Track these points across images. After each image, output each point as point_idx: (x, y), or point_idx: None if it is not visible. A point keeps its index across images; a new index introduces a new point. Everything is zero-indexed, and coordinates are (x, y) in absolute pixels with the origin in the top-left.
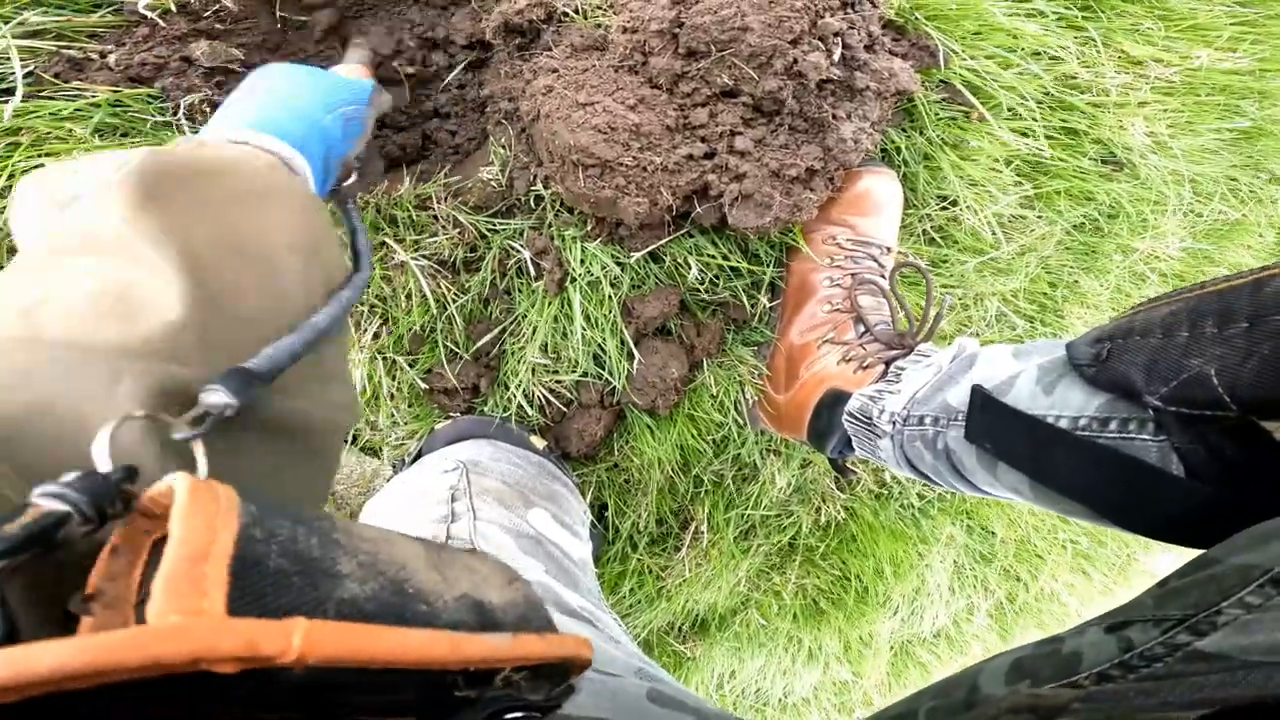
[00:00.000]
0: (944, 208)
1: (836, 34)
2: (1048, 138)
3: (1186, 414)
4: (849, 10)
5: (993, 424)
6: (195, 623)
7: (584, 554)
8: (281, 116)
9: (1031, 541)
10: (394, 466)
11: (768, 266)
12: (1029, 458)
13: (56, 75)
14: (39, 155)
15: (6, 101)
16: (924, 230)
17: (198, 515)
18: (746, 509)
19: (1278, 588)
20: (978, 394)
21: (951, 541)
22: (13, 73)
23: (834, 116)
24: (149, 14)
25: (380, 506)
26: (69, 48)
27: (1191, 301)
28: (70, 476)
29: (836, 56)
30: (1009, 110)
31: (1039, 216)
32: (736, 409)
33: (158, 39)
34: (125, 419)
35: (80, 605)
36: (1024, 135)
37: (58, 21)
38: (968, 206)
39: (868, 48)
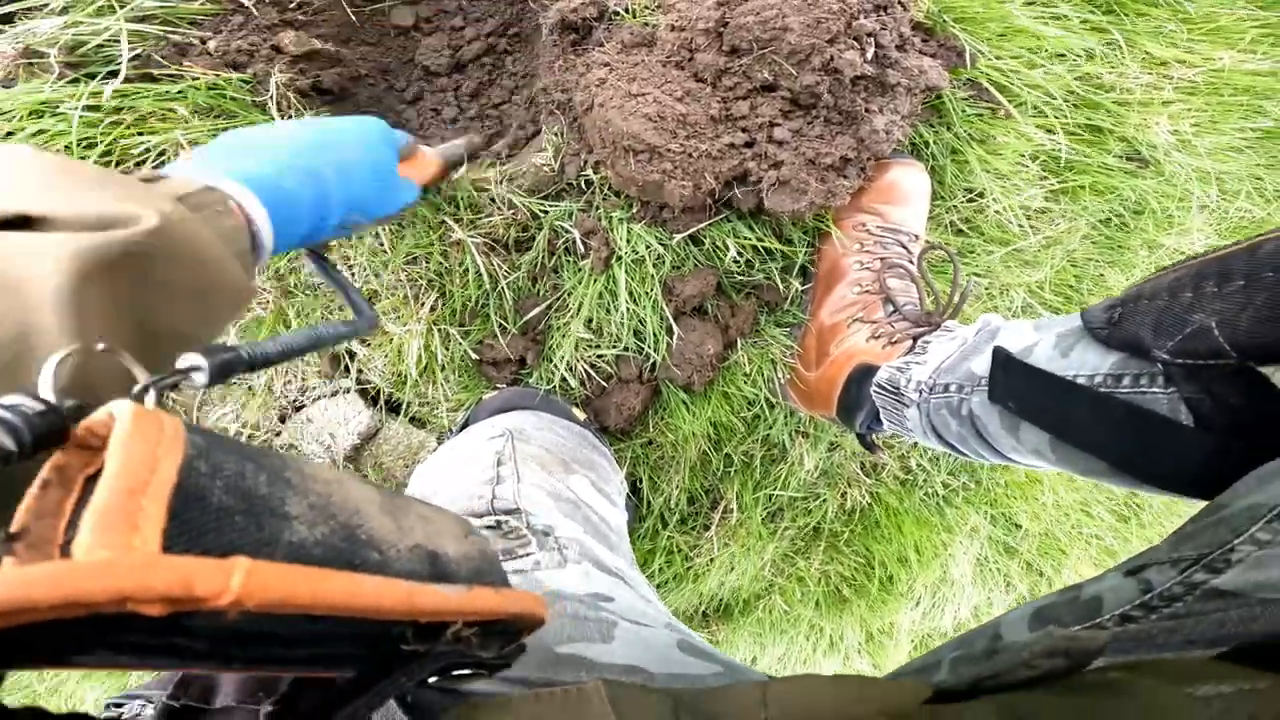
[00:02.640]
0: (970, 200)
1: (870, 34)
2: (1071, 135)
3: (1191, 365)
4: (882, 13)
5: (1014, 383)
6: (125, 558)
7: (619, 521)
8: (294, 186)
9: (1055, 535)
10: (439, 438)
11: (801, 250)
12: (1049, 414)
13: (163, 59)
14: (140, 134)
15: (108, 83)
16: (951, 221)
17: (139, 444)
18: (774, 490)
19: None
20: (1000, 354)
21: (975, 533)
22: (120, 56)
23: (867, 110)
24: (245, 2)
25: (428, 470)
26: (173, 32)
27: (1195, 266)
28: (10, 400)
29: (870, 55)
30: (1033, 108)
31: (1064, 211)
32: (768, 387)
33: (250, 27)
34: (81, 349)
35: (3, 544)
36: (1049, 132)
37: (164, 7)
38: (993, 199)
39: (899, 47)
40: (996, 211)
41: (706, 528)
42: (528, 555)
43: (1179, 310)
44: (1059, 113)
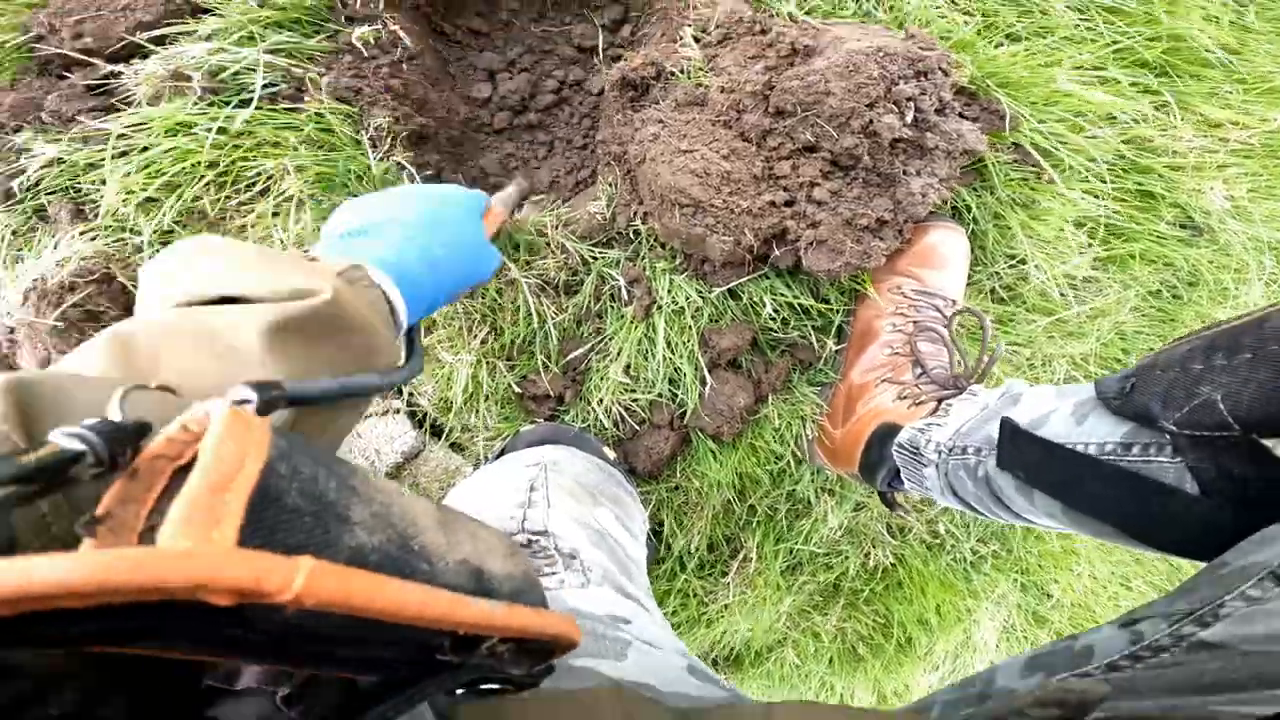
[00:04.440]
0: (1013, 266)
1: (909, 99)
2: (1120, 200)
3: (1197, 436)
4: (922, 78)
5: (1021, 452)
6: (205, 549)
7: (640, 556)
8: (417, 269)
9: (1089, 606)
10: (475, 465)
11: (837, 310)
12: (1057, 483)
13: (284, 90)
14: (256, 158)
15: (240, 110)
16: (993, 288)
17: (230, 442)
18: (796, 543)
19: (1277, 582)
20: (1007, 424)
21: (1004, 600)
22: (254, 84)
23: (904, 172)
24: (358, 44)
25: (464, 490)
26: (295, 66)
27: (1208, 338)
28: (89, 421)
29: (909, 118)
30: (1079, 172)
31: (1113, 281)
32: (796, 443)
33: (358, 67)
34: (138, 387)
35: (85, 526)
36: (1095, 197)
37: (291, 42)
38: (1036, 266)
39: (938, 111)
40: (1040, 280)
41: (724, 574)
42: (553, 574)
43: (1188, 382)
44: (1106, 178)
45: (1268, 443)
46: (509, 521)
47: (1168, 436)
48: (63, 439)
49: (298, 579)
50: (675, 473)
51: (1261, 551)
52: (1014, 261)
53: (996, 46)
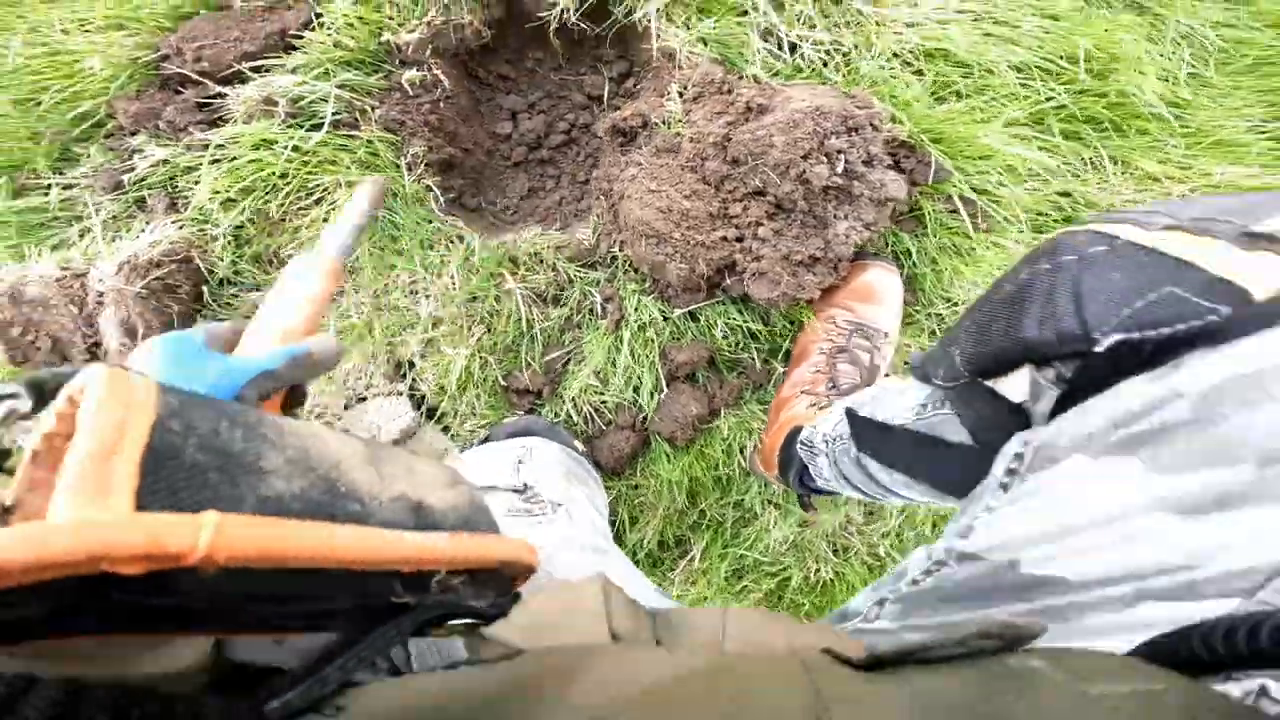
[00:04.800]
0: (950, 306)
1: (840, 151)
2: None
3: (951, 386)
4: (852, 134)
5: (864, 432)
6: (94, 519)
7: (606, 530)
8: None
9: None
10: (461, 449)
11: (783, 337)
12: (894, 455)
13: (347, 121)
14: (320, 172)
15: (313, 133)
16: (931, 328)
17: (110, 408)
18: (742, 550)
19: (1004, 490)
20: (848, 411)
21: None
22: (325, 113)
23: (834, 216)
24: (405, 85)
25: (457, 464)
26: (356, 100)
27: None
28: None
29: (839, 169)
30: (1014, 222)
31: None
32: (742, 453)
33: (404, 103)
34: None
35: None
36: (1027, 246)
37: (355, 79)
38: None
39: (865, 162)
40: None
41: (672, 570)
42: (542, 515)
43: (948, 343)
44: (1021, 226)
45: (989, 383)
46: (507, 476)
47: (941, 392)
48: None
49: (203, 536)
50: (635, 471)
51: (998, 464)
52: (950, 303)
53: (940, 103)
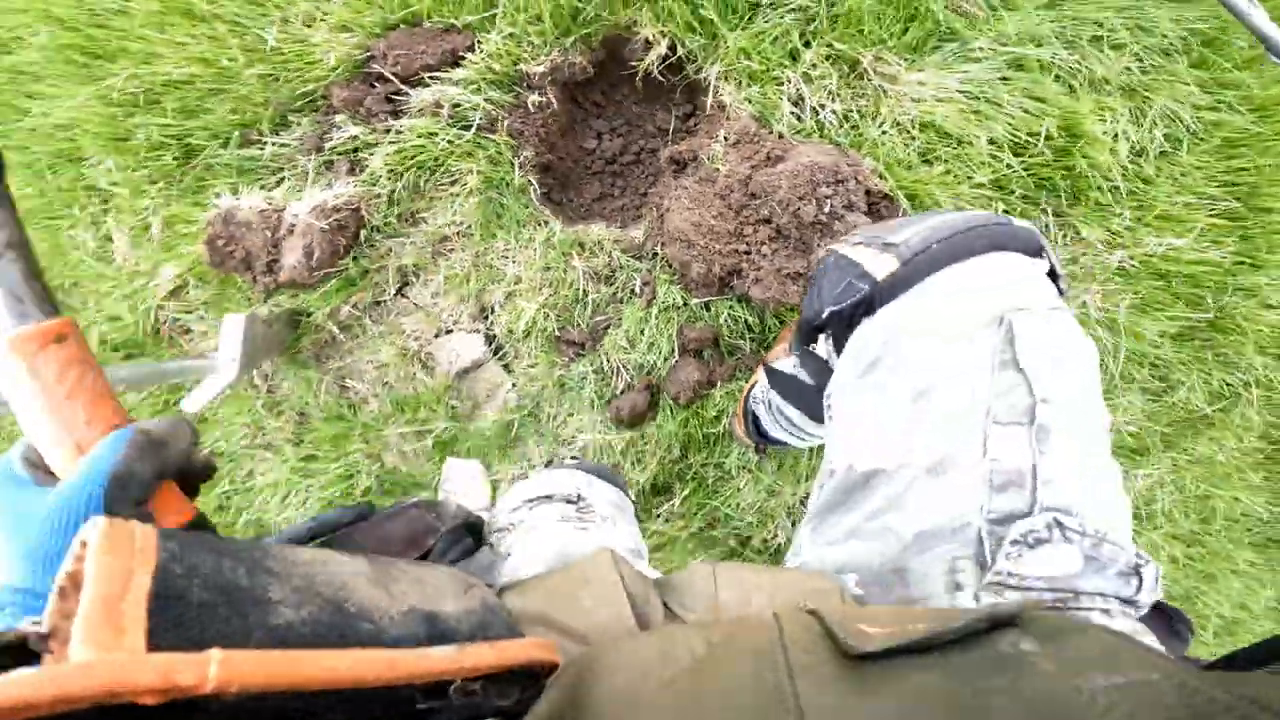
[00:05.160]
0: None
1: (826, 197)
2: None
3: (798, 351)
4: (838, 185)
5: (777, 381)
6: (107, 658)
7: (643, 553)
8: None
9: None
10: (513, 384)
11: (771, 332)
12: (786, 392)
13: (484, 125)
14: (459, 160)
15: (464, 131)
16: None
17: (111, 556)
18: (716, 503)
19: None
20: (765, 365)
21: None
22: (473, 118)
23: (816, 244)
24: (528, 104)
25: (525, 482)
26: (494, 111)
27: None
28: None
29: (825, 210)
30: None
31: None
32: (726, 418)
33: (525, 117)
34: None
35: (38, 643)
36: None
37: (497, 96)
38: None
39: (846, 207)
40: None
41: (655, 511)
42: (591, 524)
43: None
44: None
45: (811, 348)
46: (565, 489)
47: (797, 353)
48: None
49: (211, 669)
50: (643, 432)
51: (824, 406)
52: None
53: (926, 165)
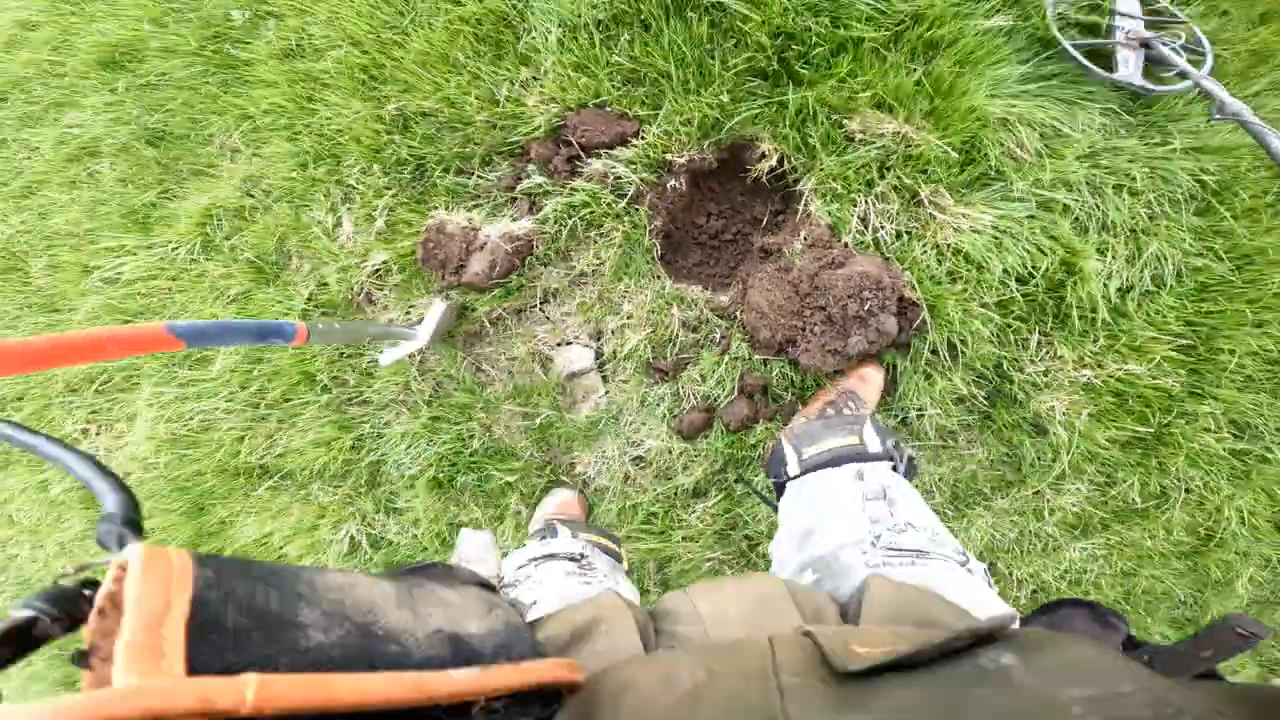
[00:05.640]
0: (901, 405)
1: (866, 299)
2: (982, 381)
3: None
4: (879, 291)
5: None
6: (149, 684)
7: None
8: None
9: None
10: (607, 392)
11: (810, 390)
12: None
13: (633, 197)
14: (608, 221)
15: (619, 199)
16: (903, 419)
17: (151, 581)
18: (741, 510)
19: None
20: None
21: None
22: (629, 190)
23: (854, 332)
24: (667, 187)
25: (525, 549)
26: (644, 187)
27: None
28: (39, 592)
29: (865, 309)
30: (969, 368)
31: (970, 442)
32: (761, 449)
33: (660, 194)
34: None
35: (78, 660)
36: (973, 384)
37: (648, 175)
38: (920, 411)
39: (881, 308)
40: (924, 423)
41: (692, 511)
42: (595, 580)
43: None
44: (973, 374)
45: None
46: (575, 550)
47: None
48: (16, 611)
49: (248, 694)
50: (695, 445)
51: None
52: (903, 404)
53: (952, 281)
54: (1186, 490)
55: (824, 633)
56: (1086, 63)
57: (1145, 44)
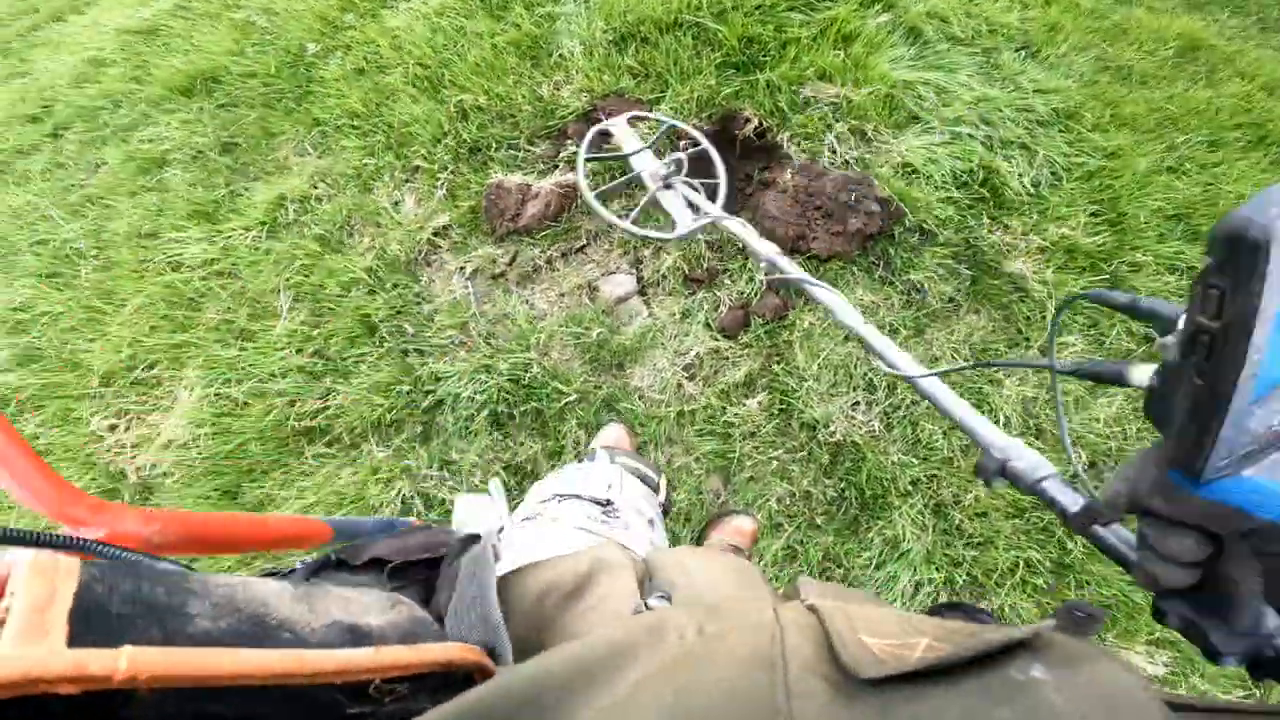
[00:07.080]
0: (920, 287)
1: (852, 190)
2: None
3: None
4: (860, 185)
5: None
6: (28, 650)
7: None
8: None
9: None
10: (650, 313)
11: (825, 275)
12: None
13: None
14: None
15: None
16: (906, 291)
17: (38, 577)
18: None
19: None
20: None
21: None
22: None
23: (850, 217)
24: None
25: (556, 478)
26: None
27: None
28: None
29: (853, 198)
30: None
31: (971, 310)
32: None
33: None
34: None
35: None
36: (953, 261)
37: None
38: (920, 285)
39: (864, 196)
40: (928, 285)
41: (743, 404)
42: (617, 523)
43: None
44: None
45: None
46: (600, 489)
47: None
48: None
49: (121, 662)
50: (739, 334)
51: None
52: (919, 283)
53: (907, 184)
54: None
55: (831, 616)
56: (597, 205)
57: (668, 184)
